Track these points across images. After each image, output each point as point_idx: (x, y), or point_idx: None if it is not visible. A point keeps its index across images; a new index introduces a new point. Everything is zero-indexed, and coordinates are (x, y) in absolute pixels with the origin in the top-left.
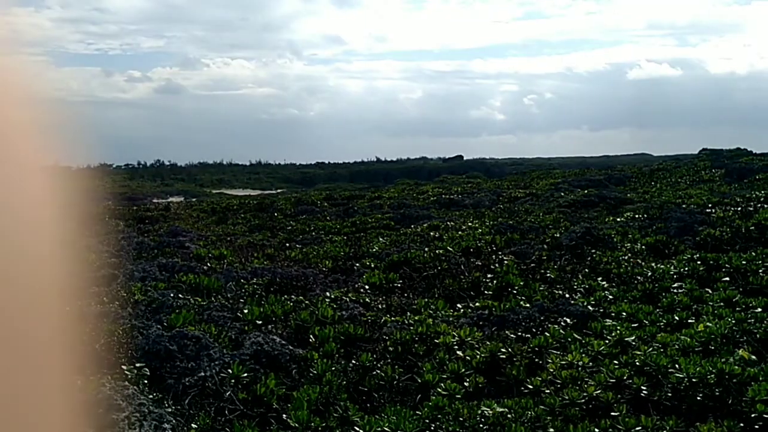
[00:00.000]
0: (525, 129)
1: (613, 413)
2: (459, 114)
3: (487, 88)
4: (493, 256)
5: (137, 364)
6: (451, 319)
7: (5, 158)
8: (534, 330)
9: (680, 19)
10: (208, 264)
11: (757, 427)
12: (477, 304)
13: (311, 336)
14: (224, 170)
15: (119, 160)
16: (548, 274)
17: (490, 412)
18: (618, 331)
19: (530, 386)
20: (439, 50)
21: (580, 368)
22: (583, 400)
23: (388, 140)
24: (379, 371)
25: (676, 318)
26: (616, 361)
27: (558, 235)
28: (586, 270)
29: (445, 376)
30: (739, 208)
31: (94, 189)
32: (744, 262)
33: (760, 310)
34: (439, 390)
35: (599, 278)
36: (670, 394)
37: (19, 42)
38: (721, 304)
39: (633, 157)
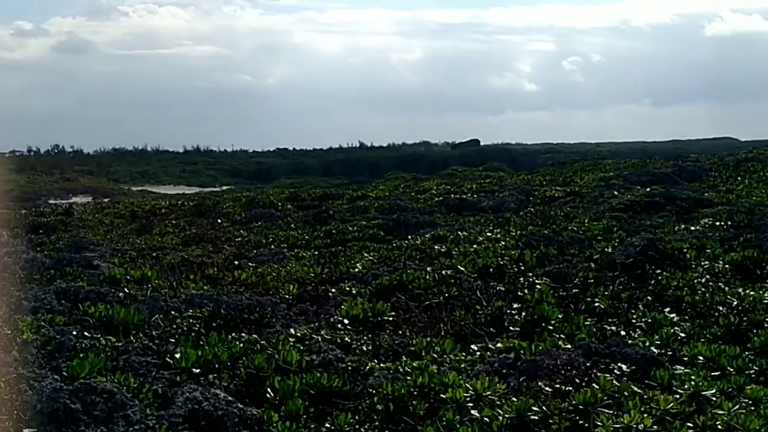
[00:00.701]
0: (564, 103)
1: None
2: (473, 83)
3: (511, 47)
4: (521, 279)
5: (26, 431)
6: (462, 365)
7: None
8: (577, 381)
9: None
10: (126, 290)
11: None
12: (499, 345)
13: (269, 390)
14: (148, 160)
15: (2, 145)
16: (596, 304)
17: None
18: (692, 382)
19: None
20: None
21: None
22: None
23: (376, 119)
24: None
25: None
26: (690, 424)
27: (610, 250)
28: (649, 298)
29: None
30: None
31: None
32: None
33: None
34: None
35: (666, 309)
36: None
37: None
38: None
39: (712, 143)
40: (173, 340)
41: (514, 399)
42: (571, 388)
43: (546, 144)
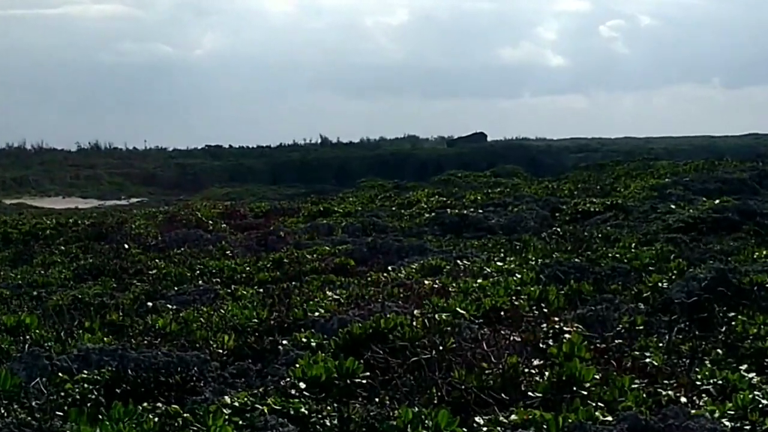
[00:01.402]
0: (602, 84)
1: None
2: (479, 56)
3: (530, 6)
4: (544, 326)
5: None
6: None
7: None
8: None
9: None
10: None
11: None
12: (513, 417)
13: None
14: (27, 162)
15: None
16: (647, 359)
17: None
18: None
19: None
20: None
21: None
22: None
23: (345, 105)
24: None
25: None
26: None
27: (665, 285)
28: (719, 351)
29: None
30: None
31: None
32: None
33: None
34: None
35: (743, 367)
36: None
37: None
38: None
39: None
40: (61, 414)
41: None
42: None
43: (577, 139)
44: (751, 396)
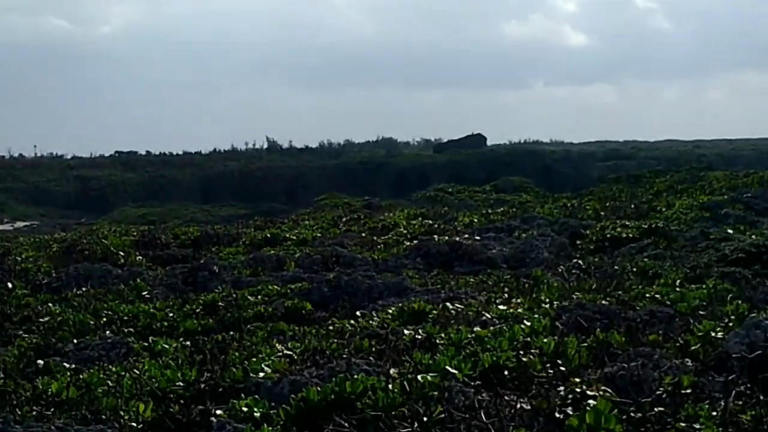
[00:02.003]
0: (638, 70)
1: None
2: (476, 33)
3: None
4: (562, 389)
5: None
6: None
7: None
8: None
9: None
10: None
11: None
12: None
13: None
14: None
15: None
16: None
17: None
18: None
19: None
20: None
21: None
22: None
23: (300, 99)
24: None
25: None
26: None
27: (719, 335)
28: None
29: None
30: None
31: None
32: None
33: None
34: None
35: None
36: None
37: None
38: None
39: None
40: None
41: None
42: None
43: (605, 143)
44: None
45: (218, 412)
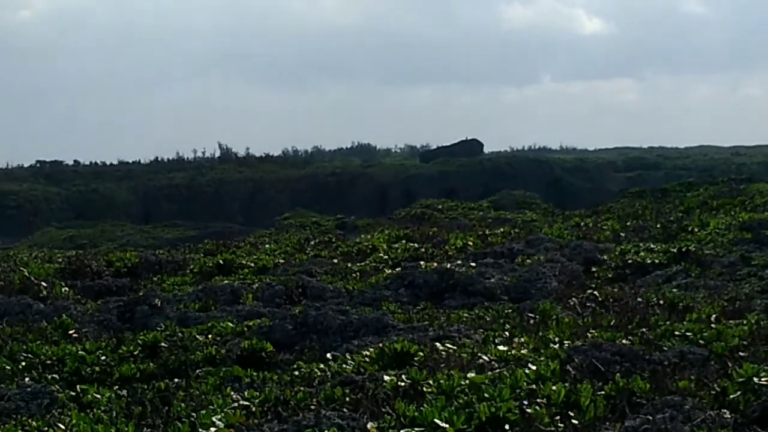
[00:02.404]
0: (665, 62)
1: None
2: (471, 18)
3: None
4: None
5: None
6: None
7: None
8: None
9: None
10: None
11: None
12: None
13: None
14: None
15: None
16: None
17: None
18: None
19: None
20: None
21: None
22: None
23: (260, 97)
24: None
25: None
26: None
27: (762, 381)
28: None
29: None
30: None
31: None
32: None
33: None
34: None
35: None
36: None
37: None
38: None
39: None
40: None
41: None
42: None
43: (626, 150)
44: None
45: None
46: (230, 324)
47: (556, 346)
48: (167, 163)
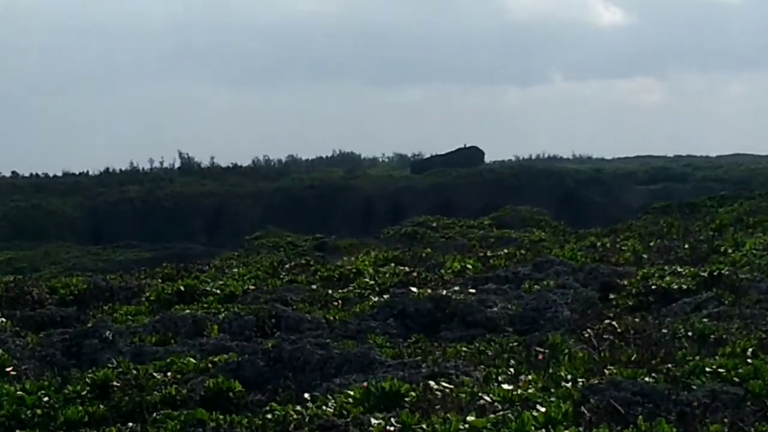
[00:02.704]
0: (694, 59)
1: None
2: (470, 7)
3: None
4: None
5: None
6: None
7: None
8: None
9: None
10: None
11: None
12: None
13: None
14: None
15: None
16: None
17: None
18: None
19: None
20: None
21: None
22: None
23: (225, 98)
24: None
25: None
26: None
27: None
28: None
29: None
30: None
31: None
32: None
33: None
34: None
35: None
36: None
37: None
38: None
39: None
40: None
41: None
42: None
43: (649, 158)
44: None
45: None
46: (192, 360)
47: (569, 385)
48: (120, 175)
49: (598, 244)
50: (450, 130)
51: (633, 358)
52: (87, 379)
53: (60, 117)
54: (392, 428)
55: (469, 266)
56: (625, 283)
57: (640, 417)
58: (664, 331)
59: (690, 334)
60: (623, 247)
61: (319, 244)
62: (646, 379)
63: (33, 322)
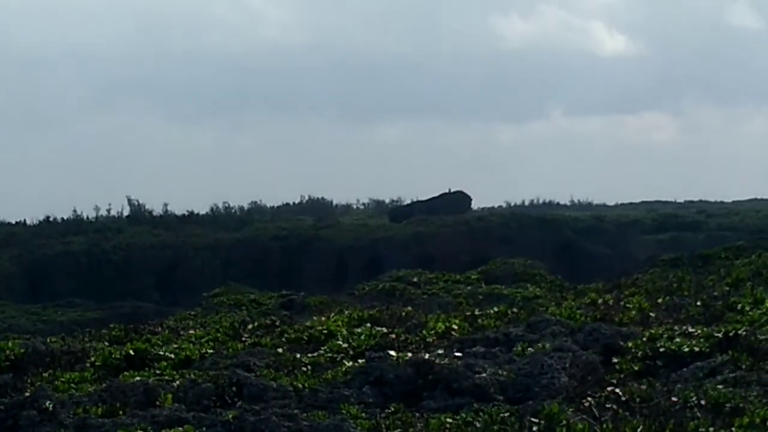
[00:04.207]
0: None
1: None
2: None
3: None
4: None
5: None
6: None
7: None
8: None
9: None
10: None
11: None
12: None
13: None
14: None
15: None
16: None
17: None
18: None
19: None
20: None
21: None
22: None
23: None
24: None
25: None
26: None
27: None
28: None
29: None
30: None
31: None
32: None
33: None
34: None
35: None
36: None
37: None
38: None
39: None
40: None
41: None
42: None
43: (658, 204)
44: None
45: None
46: None
47: None
48: (61, 224)
49: (600, 301)
50: (433, 173)
51: (639, 430)
52: None
53: None
54: None
55: (455, 327)
56: (630, 345)
57: None
58: (674, 399)
59: (703, 402)
60: (628, 305)
61: (285, 302)
62: None
63: None
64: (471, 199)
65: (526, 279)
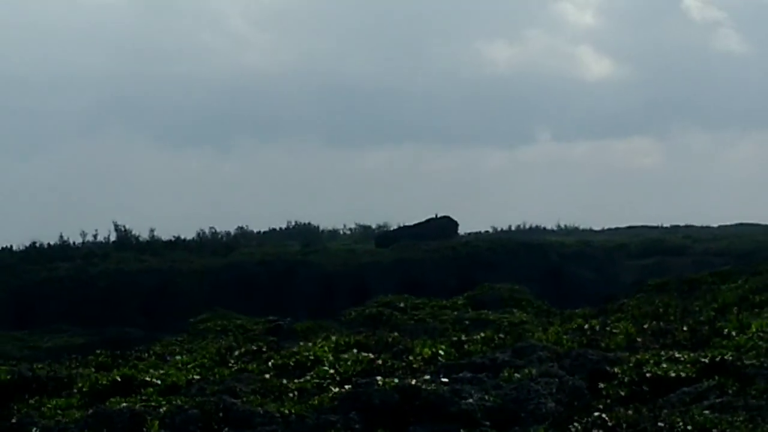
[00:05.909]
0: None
1: None
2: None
3: None
4: None
5: None
6: None
7: None
8: None
9: None
10: None
11: None
12: None
13: None
14: None
15: None
16: None
17: None
18: None
19: None
20: None
21: None
22: None
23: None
24: None
25: None
26: None
27: None
28: None
29: None
30: None
31: None
32: None
33: None
34: None
35: None
36: None
37: None
38: None
39: None
40: None
41: None
42: None
43: (644, 229)
44: None
45: None
46: None
47: None
48: (48, 250)
49: (586, 326)
50: (420, 199)
51: None
52: None
53: None
54: None
55: (441, 352)
56: (617, 370)
57: None
58: (661, 424)
59: (690, 428)
60: (614, 330)
61: (272, 327)
62: None
63: None
64: (458, 225)
65: (512, 304)
